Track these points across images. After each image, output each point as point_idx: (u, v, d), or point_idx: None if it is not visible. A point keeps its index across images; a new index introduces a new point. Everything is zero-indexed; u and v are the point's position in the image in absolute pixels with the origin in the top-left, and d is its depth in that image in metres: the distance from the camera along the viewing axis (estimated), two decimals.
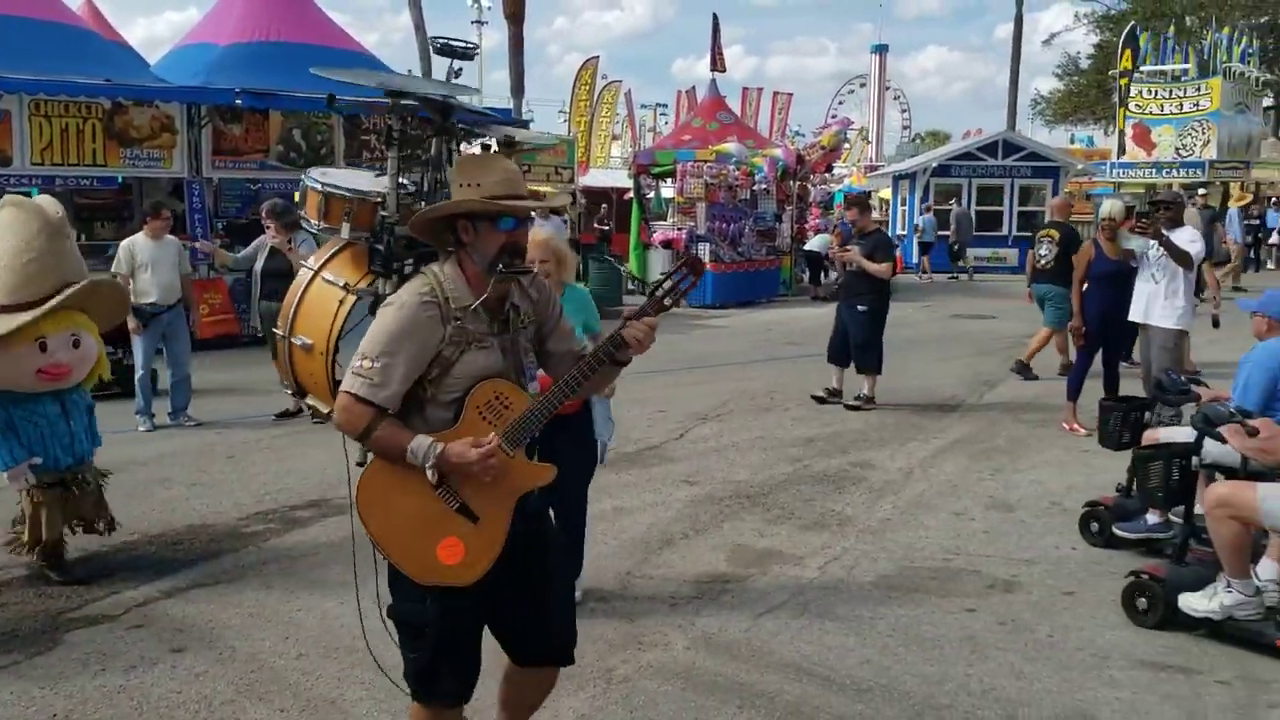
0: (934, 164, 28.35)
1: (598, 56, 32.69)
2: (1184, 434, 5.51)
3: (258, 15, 15.97)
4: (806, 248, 22.04)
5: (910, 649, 4.73)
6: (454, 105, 3.69)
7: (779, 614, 5.13)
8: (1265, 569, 4.85)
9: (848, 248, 10.19)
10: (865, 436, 8.95)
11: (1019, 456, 8.22)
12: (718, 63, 24.11)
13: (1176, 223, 8.37)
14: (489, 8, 54.68)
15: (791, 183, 22.42)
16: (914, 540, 6.25)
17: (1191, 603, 4.85)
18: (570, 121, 30.72)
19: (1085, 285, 8.80)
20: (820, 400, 10.23)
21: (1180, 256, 7.97)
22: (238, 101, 13.91)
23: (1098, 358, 8.89)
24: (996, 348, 14.21)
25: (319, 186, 4.18)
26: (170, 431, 9.09)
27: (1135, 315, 8.33)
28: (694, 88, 33.18)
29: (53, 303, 5.18)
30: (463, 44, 4.01)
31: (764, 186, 21.62)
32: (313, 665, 4.55)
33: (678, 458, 8.25)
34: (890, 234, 28.01)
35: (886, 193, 32.91)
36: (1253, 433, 4.75)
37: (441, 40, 3.86)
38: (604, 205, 25.54)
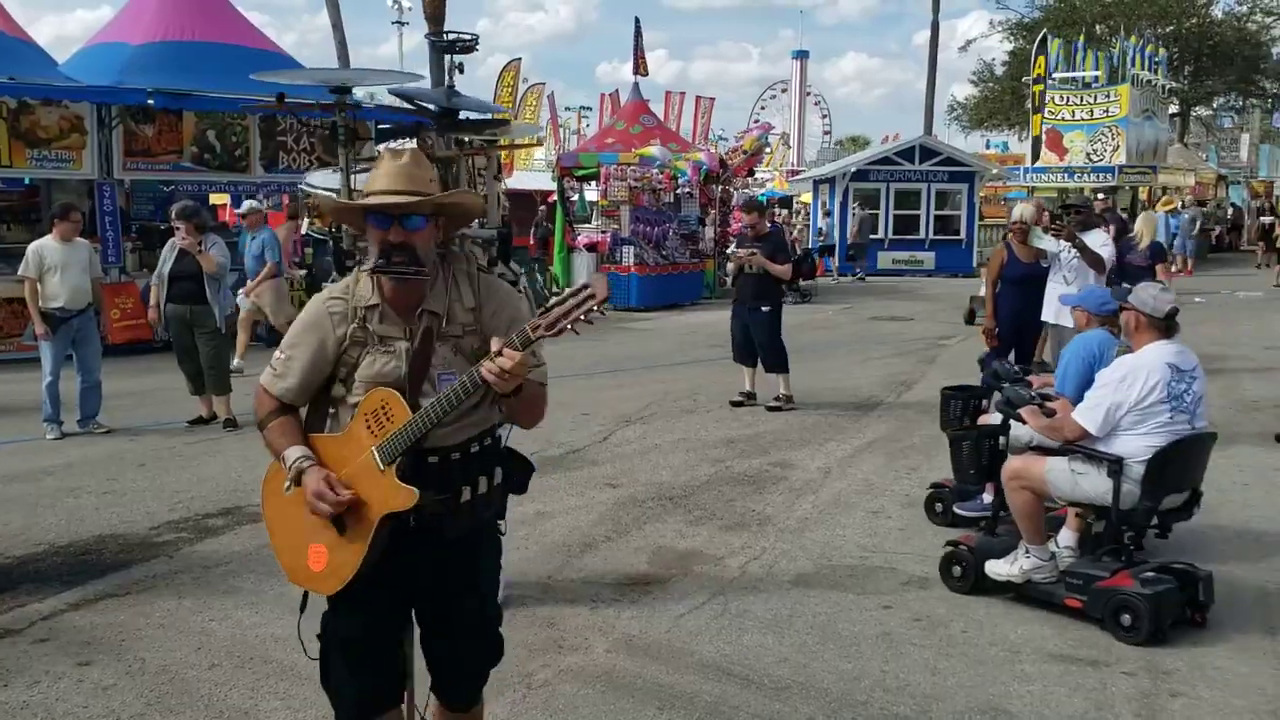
0: (853, 169, 28.83)
1: (520, 59, 32.68)
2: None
3: (172, 15, 15.64)
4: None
5: (827, 646, 4.79)
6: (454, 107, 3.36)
7: (699, 614, 5.16)
8: (1064, 537, 5.55)
9: (751, 251, 10.21)
10: (785, 437, 9.04)
11: (934, 455, 8.37)
12: (640, 66, 24.17)
13: (1089, 226, 8.60)
14: (409, 8, 54.16)
15: (715, 187, 22.58)
16: (832, 539, 6.33)
17: (995, 568, 5.30)
18: None
19: (998, 287, 8.99)
20: (737, 404, 10.32)
21: (1094, 259, 8.18)
22: (150, 102, 13.59)
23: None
24: (913, 349, 14.46)
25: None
26: (80, 439, 8.86)
27: (1047, 315, 8.53)
28: (617, 91, 33.14)
29: None
30: (462, 38, 3.58)
31: (687, 190, 21.75)
32: (226, 676, 4.46)
33: (601, 460, 8.26)
34: (813, 238, 28.62)
35: (808, 197, 33.32)
36: (1049, 413, 5.24)
37: (443, 36, 3.49)
38: (541, 208, 25.48)
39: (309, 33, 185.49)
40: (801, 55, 58.87)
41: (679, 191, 21.51)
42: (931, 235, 27.96)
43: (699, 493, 7.31)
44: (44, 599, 5.32)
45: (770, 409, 10.12)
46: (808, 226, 31.02)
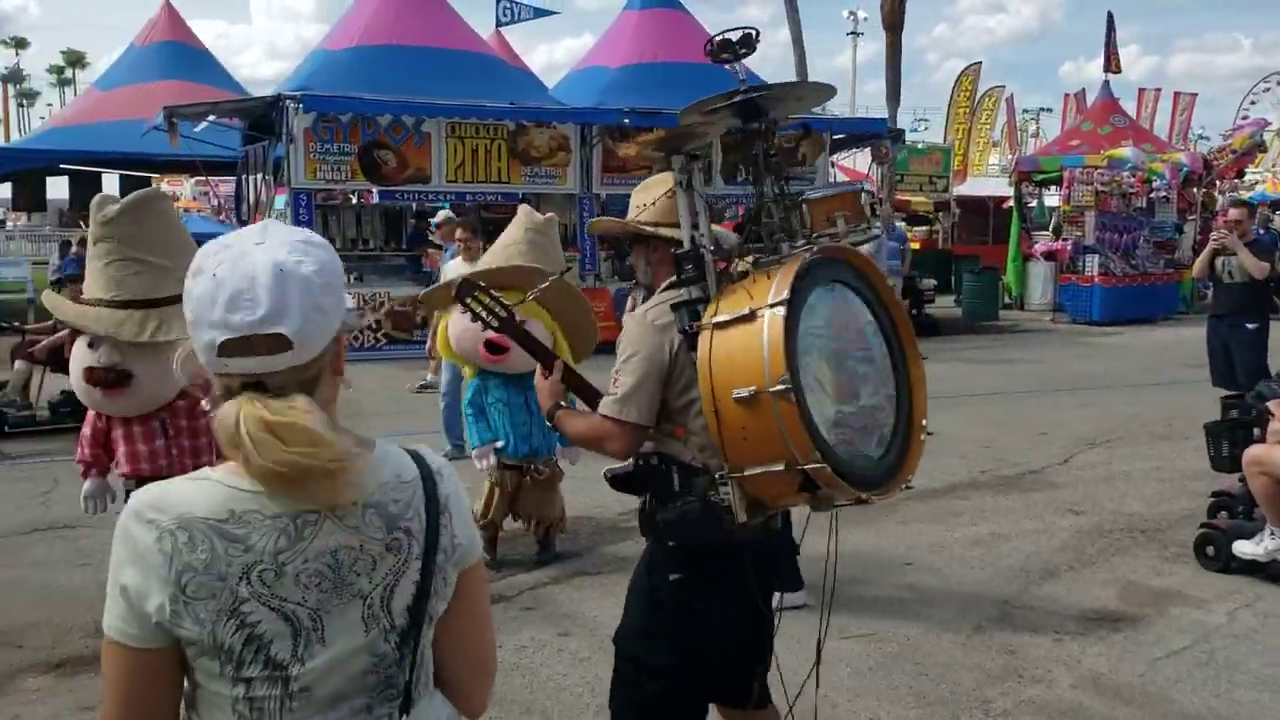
0: None
1: (979, 62, 31.56)
2: None
3: (645, 39, 16.82)
4: None
5: None
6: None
7: (1179, 660, 4.68)
8: None
9: (1225, 233, 8.78)
10: None
11: None
12: (1112, 63, 22.56)
13: None
14: (865, 18, 54.36)
15: (1195, 190, 20.51)
16: None
17: (1242, 548, 5.69)
18: (946, 129, 29.88)
19: None
20: None
21: None
22: (625, 121, 14.69)
23: None
24: None
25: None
26: None
27: None
28: (1083, 90, 31.22)
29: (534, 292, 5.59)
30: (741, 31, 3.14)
31: (1163, 194, 19.92)
32: None
33: (1061, 484, 7.76)
34: None
35: None
36: None
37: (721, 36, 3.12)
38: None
39: (767, 47, 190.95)
40: None
41: (1152, 195, 19.76)
42: None
43: (1176, 528, 6.64)
44: (530, 571, 5.88)
45: None
46: None
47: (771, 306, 2.52)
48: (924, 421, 2.80)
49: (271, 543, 1.42)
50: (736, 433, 2.57)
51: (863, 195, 2.95)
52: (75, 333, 4.42)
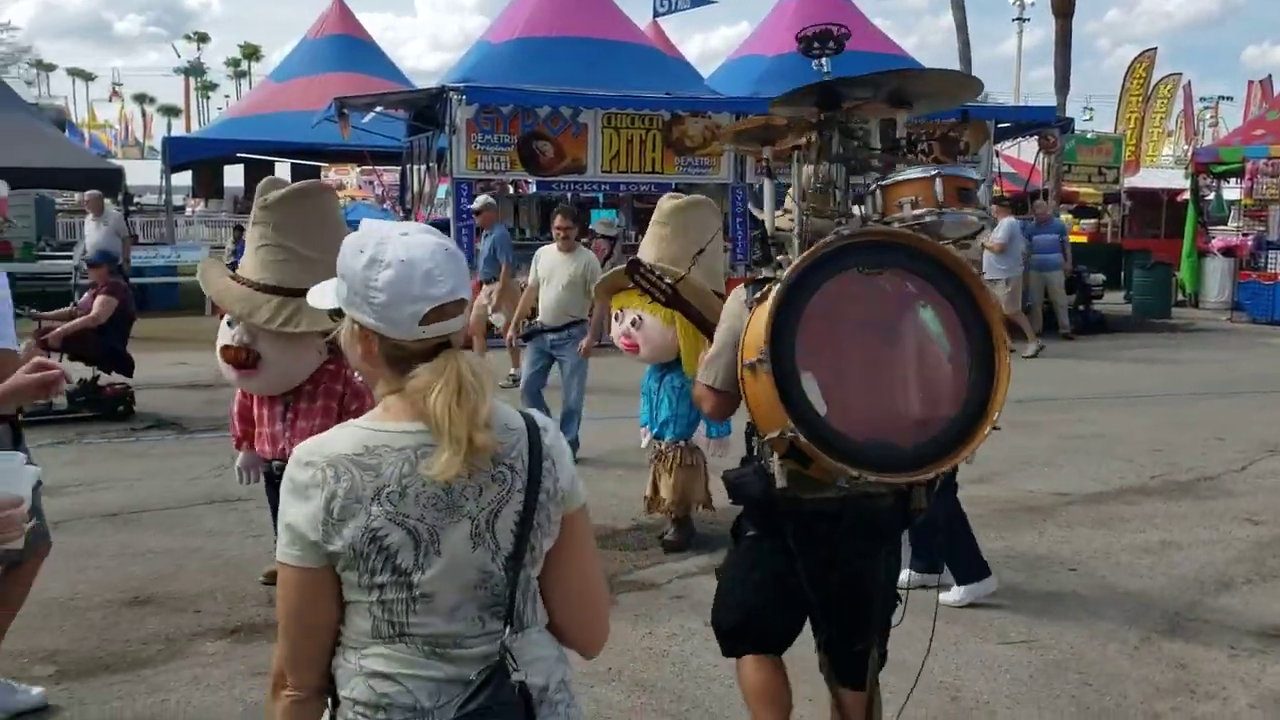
0: None
1: (1155, 49, 30.11)
2: None
3: (800, 26, 16.60)
4: None
5: None
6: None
7: None
8: None
9: None
10: None
11: None
12: None
13: None
14: (1032, 4, 52.54)
15: None
16: None
17: None
18: (1117, 118, 28.63)
19: None
20: None
21: None
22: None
23: None
24: None
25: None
26: None
27: None
28: (1269, 76, 29.48)
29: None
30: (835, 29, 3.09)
31: None
32: None
33: (1239, 492, 7.34)
34: None
35: None
36: None
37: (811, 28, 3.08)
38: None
39: (929, 34, 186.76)
40: None
41: None
42: None
43: None
44: (680, 560, 5.89)
45: None
46: None
47: (779, 283, 2.79)
48: (996, 414, 2.81)
49: (397, 470, 1.73)
50: (752, 399, 2.85)
51: (949, 180, 3.01)
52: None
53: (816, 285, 2.78)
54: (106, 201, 17.31)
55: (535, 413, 1.90)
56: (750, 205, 13.62)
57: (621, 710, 4.20)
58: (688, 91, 15.46)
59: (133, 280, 14.97)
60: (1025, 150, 20.95)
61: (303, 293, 4.60)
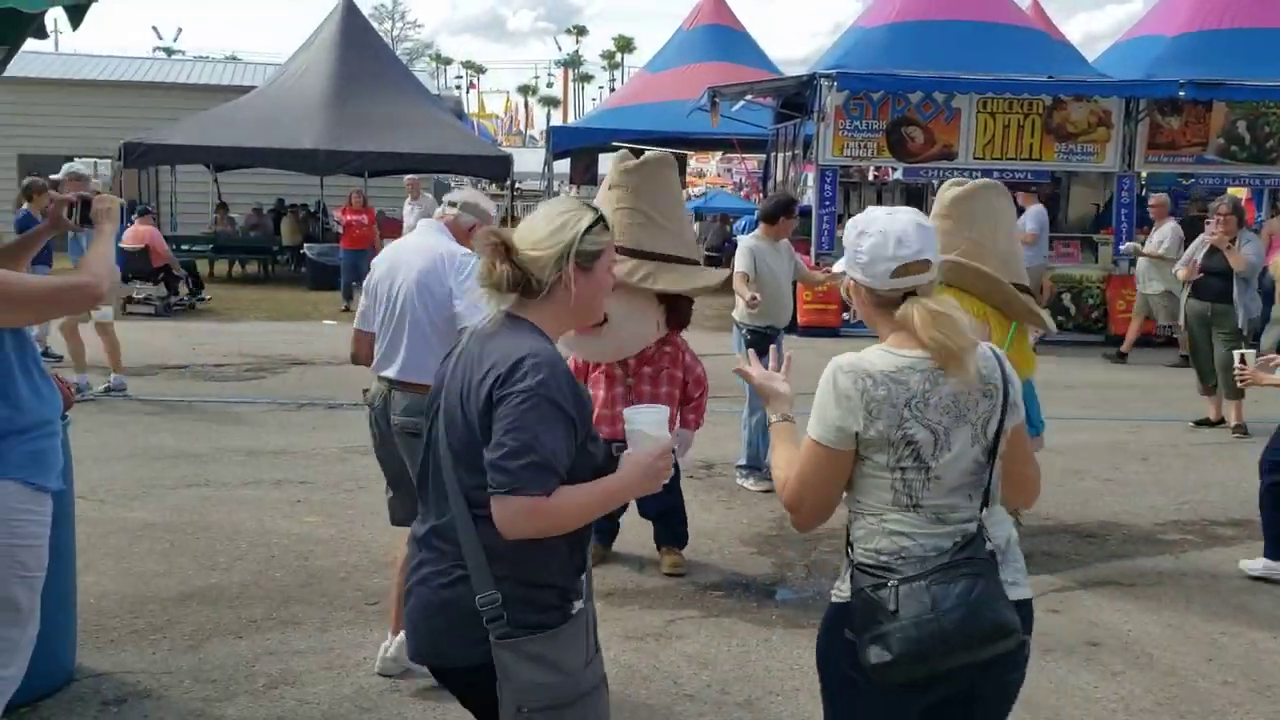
0: None
1: None
2: None
3: (1213, 3, 15.14)
4: None
5: None
6: None
7: None
8: None
9: None
10: None
11: None
12: None
13: None
14: None
15: None
16: None
17: None
18: None
19: None
20: None
21: None
22: (1180, 93, 13.38)
23: None
24: None
25: None
26: None
27: None
28: None
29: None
30: None
31: None
32: (1241, 697, 4.19)
33: None
34: None
35: None
36: None
37: None
38: None
39: None
40: None
41: None
42: None
43: None
44: (1054, 573, 5.55)
45: None
46: None
47: None
48: None
49: (920, 385, 2.31)
50: None
51: None
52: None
53: None
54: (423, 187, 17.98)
55: (991, 346, 2.44)
56: None
57: None
58: (1072, 75, 14.53)
59: None
60: None
61: (658, 256, 4.84)
